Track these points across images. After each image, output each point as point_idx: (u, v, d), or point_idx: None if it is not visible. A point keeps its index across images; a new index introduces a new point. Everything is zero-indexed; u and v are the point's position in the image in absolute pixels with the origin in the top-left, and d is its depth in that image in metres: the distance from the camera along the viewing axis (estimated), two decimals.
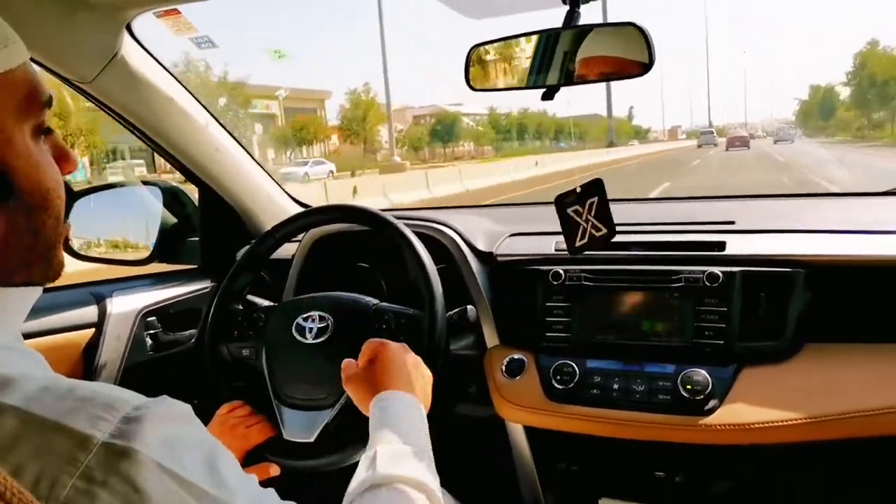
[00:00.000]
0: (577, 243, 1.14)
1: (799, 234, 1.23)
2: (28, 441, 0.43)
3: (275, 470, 1.12)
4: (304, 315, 1.20)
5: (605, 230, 1.10)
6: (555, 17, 0.96)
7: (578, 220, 1.14)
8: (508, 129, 60.65)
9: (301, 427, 1.14)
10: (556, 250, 1.32)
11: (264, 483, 0.57)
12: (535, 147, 59.29)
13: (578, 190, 1.07)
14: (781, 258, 1.17)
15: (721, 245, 1.22)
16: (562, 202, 1.08)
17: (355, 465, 1.11)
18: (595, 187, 1.08)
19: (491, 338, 1.32)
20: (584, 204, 1.11)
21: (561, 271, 1.25)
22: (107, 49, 1.18)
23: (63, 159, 0.58)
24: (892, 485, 1.18)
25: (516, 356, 1.27)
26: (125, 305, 1.40)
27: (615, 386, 1.17)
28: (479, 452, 1.55)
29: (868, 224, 1.22)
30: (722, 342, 1.14)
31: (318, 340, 1.17)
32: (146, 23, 1.20)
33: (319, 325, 1.18)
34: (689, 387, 1.11)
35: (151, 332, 1.45)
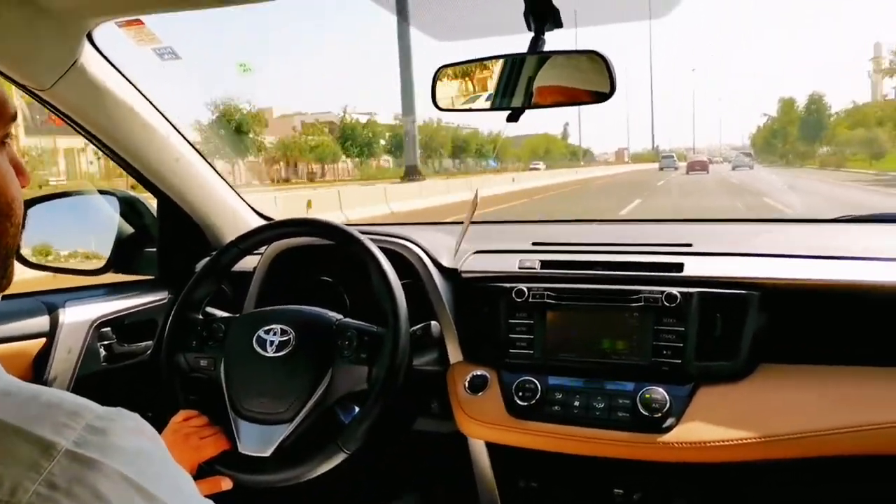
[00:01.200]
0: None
1: (753, 258, 1.27)
2: None
3: (227, 484, 1.10)
4: (266, 328, 1.19)
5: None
6: (520, 42, 0.98)
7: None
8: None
9: (257, 441, 1.12)
10: (519, 268, 1.34)
11: (215, 497, 0.56)
12: (450, 167, 49.62)
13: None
14: (736, 280, 1.20)
15: (679, 266, 1.25)
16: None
17: (310, 482, 1.11)
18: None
19: (454, 354, 1.32)
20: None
21: (524, 289, 1.27)
22: (66, 57, 1.16)
23: (19, 173, 0.58)
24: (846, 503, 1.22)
25: (479, 372, 1.27)
26: (78, 315, 1.37)
27: (576, 403, 1.18)
28: (441, 469, 1.55)
29: (819, 249, 1.26)
30: (679, 361, 1.16)
31: (280, 354, 1.16)
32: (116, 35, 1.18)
33: (281, 339, 1.17)
34: (647, 405, 1.13)
35: (105, 343, 1.42)
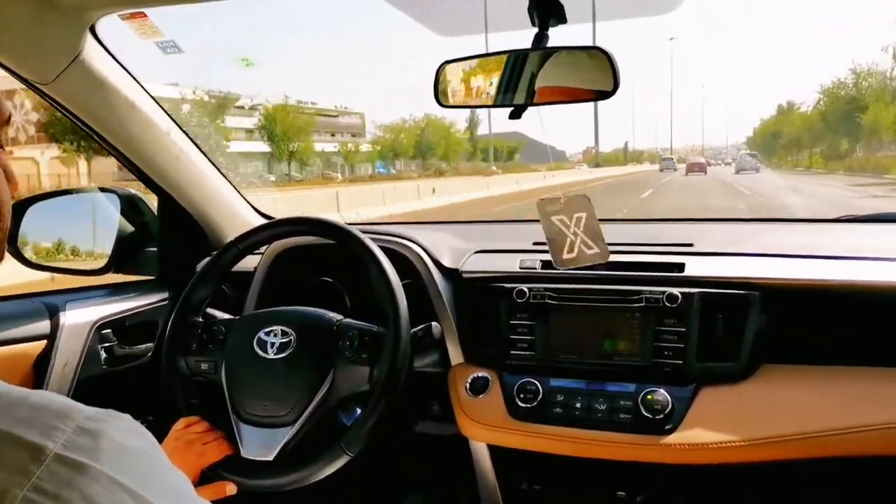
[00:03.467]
0: (565, 255, 1.14)
1: (754, 258, 1.26)
2: None
3: (231, 489, 1.09)
4: (267, 329, 1.18)
5: (596, 248, 1.10)
6: (524, 38, 0.97)
7: (565, 231, 1.14)
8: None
9: (260, 444, 1.11)
10: (521, 268, 1.33)
11: (219, 503, 0.55)
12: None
13: (563, 200, 1.07)
14: (737, 280, 1.19)
15: (680, 266, 1.24)
16: (545, 209, 1.08)
17: (313, 485, 1.10)
18: (582, 204, 1.08)
19: (455, 355, 1.32)
20: (571, 217, 1.11)
21: (525, 289, 1.26)
22: (69, 50, 1.15)
23: (8, 179, 0.58)
24: None
25: (480, 374, 1.27)
26: (79, 317, 1.36)
27: (577, 405, 1.18)
28: (442, 472, 1.54)
29: (819, 249, 1.26)
30: (681, 362, 1.16)
31: (281, 356, 1.15)
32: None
33: (282, 340, 1.16)
34: (649, 406, 1.13)
35: (106, 345, 1.41)
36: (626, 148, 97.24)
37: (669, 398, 1.12)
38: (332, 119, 51.90)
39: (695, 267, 1.24)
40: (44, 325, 1.30)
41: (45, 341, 1.29)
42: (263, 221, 1.63)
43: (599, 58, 0.96)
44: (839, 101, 39.77)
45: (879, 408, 1.07)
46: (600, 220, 1.89)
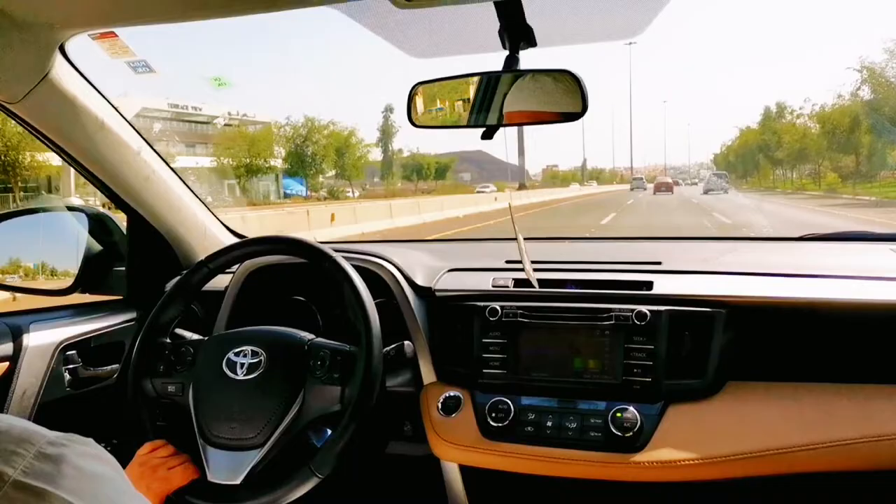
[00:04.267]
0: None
1: (721, 276, 1.29)
2: None
3: None
4: (236, 350, 1.16)
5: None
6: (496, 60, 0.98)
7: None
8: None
9: (227, 468, 1.09)
10: (493, 286, 1.34)
11: None
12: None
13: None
14: (704, 298, 1.21)
15: (649, 284, 1.26)
16: None
17: None
18: None
19: (428, 374, 1.31)
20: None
21: (498, 307, 1.27)
22: (37, 69, 1.14)
23: None
24: None
25: (452, 393, 1.26)
26: (43, 338, 1.33)
27: (549, 423, 1.18)
28: (413, 493, 1.53)
29: (784, 267, 1.29)
30: (650, 380, 1.17)
31: (250, 376, 1.13)
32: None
33: (252, 361, 1.14)
34: (619, 424, 1.13)
35: (71, 366, 1.38)
36: (585, 166, 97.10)
37: (639, 416, 1.13)
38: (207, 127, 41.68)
39: (663, 285, 1.26)
40: (6, 347, 1.27)
41: (7, 363, 1.26)
42: (234, 240, 1.62)
43: (568, 80, 0.99)
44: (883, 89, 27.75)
45: (845, 424, 1.09)
46: (571, 238, 1.91)
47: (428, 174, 49.62)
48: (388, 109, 50.27)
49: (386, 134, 49.29)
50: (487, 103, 1.01)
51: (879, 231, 1.57)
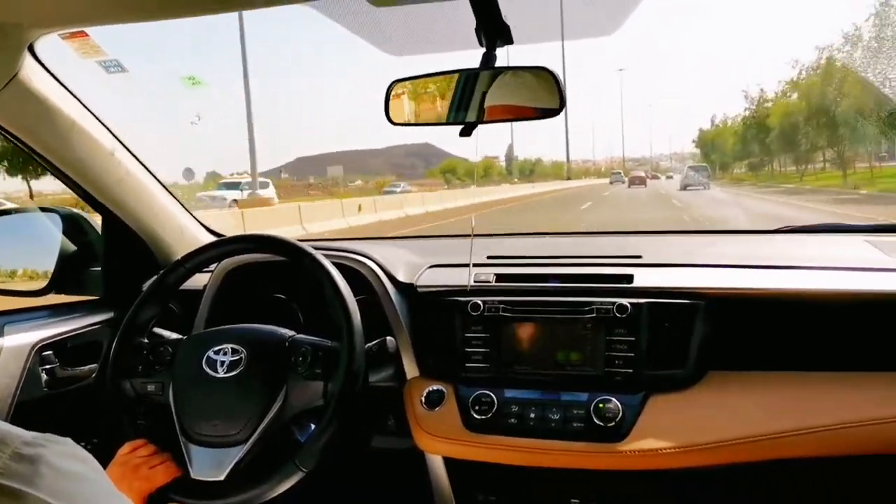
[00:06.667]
0: None
1: (700, 268, 1.31)
2: None
3: None
4: (216, 348, 1.16)
5: None
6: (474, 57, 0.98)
7: None
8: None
9: (210, 465, 1.09)
10: (475, 281, 1.35)
11: None
12: None
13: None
14: (684, 290, 1.23)
15: (629, 278, 1.28)
16: None
17: (267, 502, 1.08)
18: None
19: (410, 369, 1.32)
20: None
21: (480, 302, 1.27)
22: (6, 70, 1.12)
23: None
24: None
25: (435, 387, 1.27)
26: (18, 339, 1.31)
27: (532, 415, 1.19)
28: (398, 486, 1.54)
29: (761, 259, 1.31)
30: (631, 370, 1.19)
31: (231, 374, 1.13)
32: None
33: (232, 359, 1.14)
34: (601, 414, 1.15)
35: (47, 366, 1.36)
36: (568, 159, 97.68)
37: (620, 406, 1.15)
38: None
39: (643, 278, 1.28)
40: None
41: None
42: (212, 239, 1.61)
43: (545, 77, 0.99)
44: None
45: (823, 411, 1.11)
46: (553, 233, 1.93)
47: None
48: None
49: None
50: (466, 101, 1.01)
51: (854, 223, 1.60)
